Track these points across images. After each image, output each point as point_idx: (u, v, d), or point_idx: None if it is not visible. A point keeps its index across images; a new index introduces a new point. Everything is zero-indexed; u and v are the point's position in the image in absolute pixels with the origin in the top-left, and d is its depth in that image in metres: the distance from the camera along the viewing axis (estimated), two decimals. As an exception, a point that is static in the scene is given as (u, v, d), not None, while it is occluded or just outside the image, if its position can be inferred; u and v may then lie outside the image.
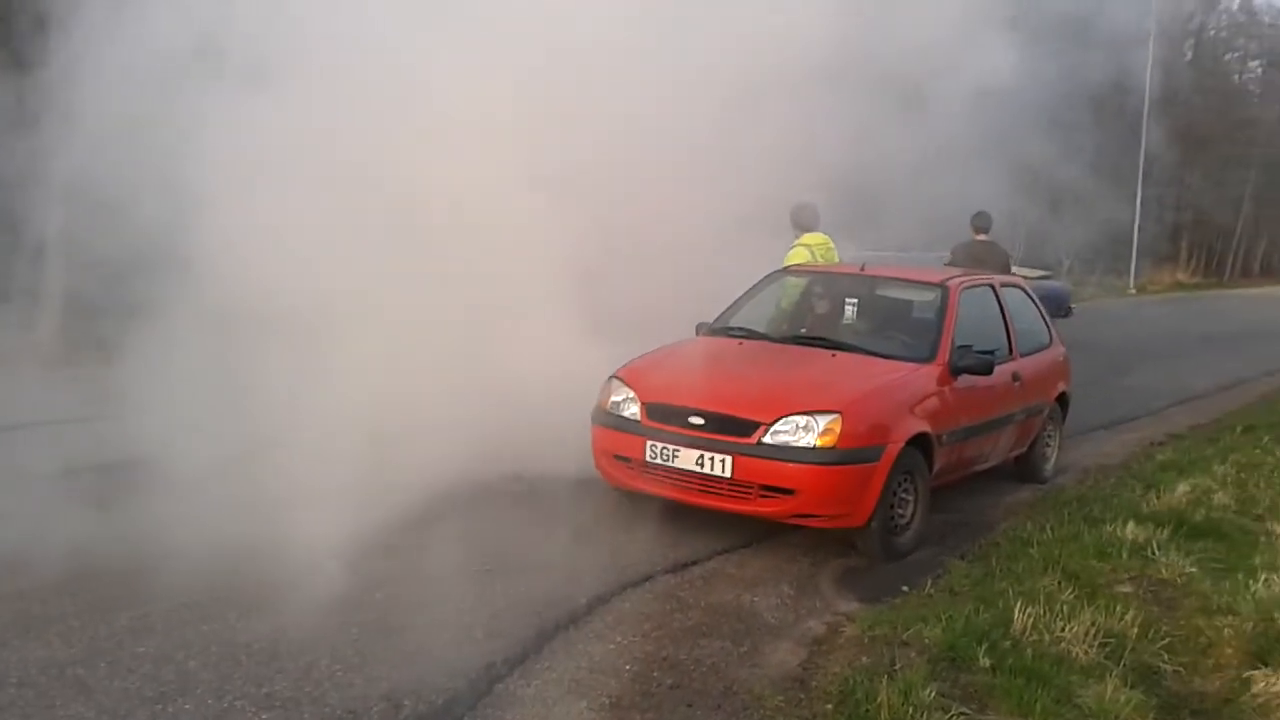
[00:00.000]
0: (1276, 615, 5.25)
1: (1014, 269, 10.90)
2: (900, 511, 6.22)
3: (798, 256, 8.68)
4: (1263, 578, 5.74)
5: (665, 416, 6.22)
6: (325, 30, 7.41)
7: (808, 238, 8.85)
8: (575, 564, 5.66)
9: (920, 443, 6.27)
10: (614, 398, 6.51)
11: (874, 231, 11.35)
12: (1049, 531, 6.46)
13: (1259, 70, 56.28)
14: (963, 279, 7.62)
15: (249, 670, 4.28)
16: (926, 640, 4.71)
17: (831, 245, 8.91)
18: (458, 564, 5.55)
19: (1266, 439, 9.73)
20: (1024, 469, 8.18)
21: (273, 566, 5.15)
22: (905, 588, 5.68)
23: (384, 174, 7.25)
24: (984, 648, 4.61)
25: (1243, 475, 8.27)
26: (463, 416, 6.67)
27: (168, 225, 6.89)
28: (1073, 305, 19.25)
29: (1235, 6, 51.14)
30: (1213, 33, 48.21)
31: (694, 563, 5.88)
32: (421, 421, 6.55)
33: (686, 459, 6.04)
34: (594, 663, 4.51)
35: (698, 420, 6.08)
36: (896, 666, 4.44)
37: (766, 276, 8.02)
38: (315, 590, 4.93)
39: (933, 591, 5.55)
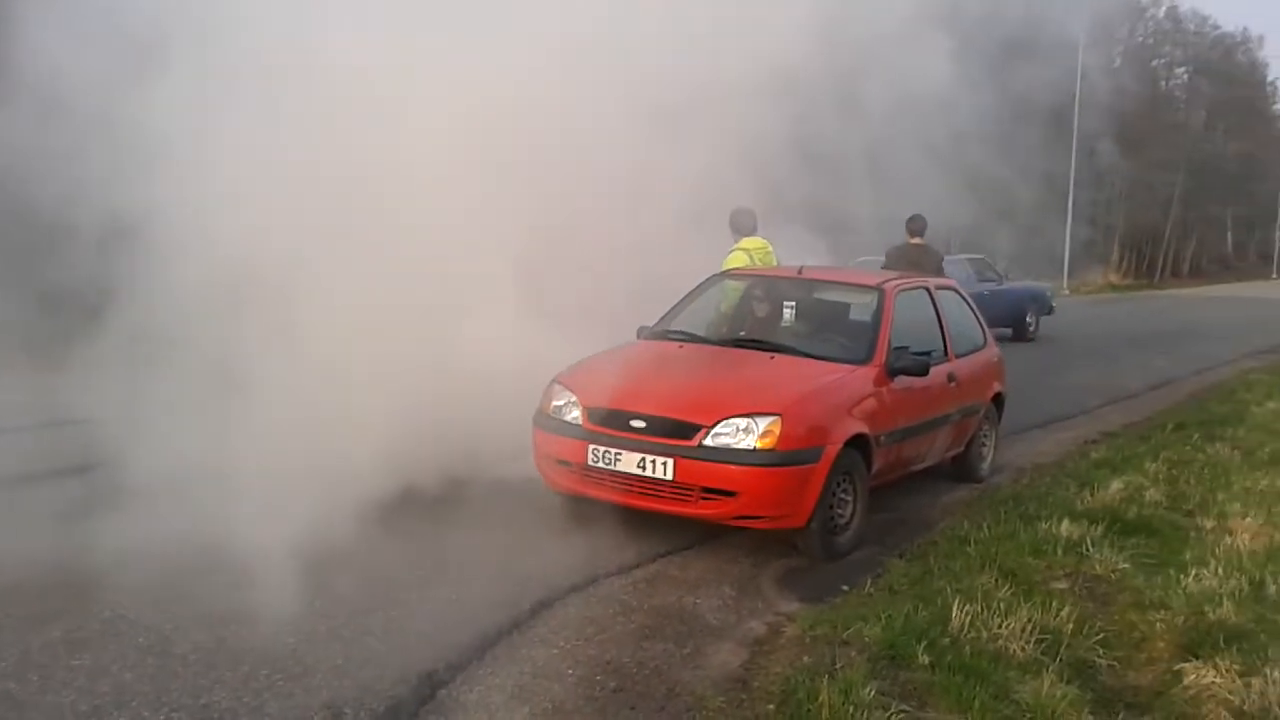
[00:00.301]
0: (1207, 609, 5.36)
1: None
2: (840, 512, 6.28)
3: (736, 260, 8.75)
4: (1193, 572, 5.86)
5: (607, 420, 6.23)
6: (273, 27, 7.31)
7: (746, 242, 8.93)
8: (518, 569, 5.65)
9: (859, 443, 6.34)
10: (555, 402, 6.51)
11: (821, 237, 11.46)
12: (986, 530, 6.55)
13: (1185, 76, 57.74)
14: (899, 282, 7.72)
15: (186, 682, 4.22)
16: (866, 639, 4.75)
17: (770, 249, 9.00)
18: (399, 570, 5.52)
19: (1196, 436, 9.97)
20: (961, 468, 8.31)
21: (211, 576, 5.09)
22: (845, 587, 5.73)
23: (331, 172, 7.17)
24: (923, 646, 4.66)
25: (1174, 472, 8.46)
26: (405, 418, 6.62)
27: (107, 227, 6.78)
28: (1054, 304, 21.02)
29: (1162, 14, 52.37)
30: (1140, 40, 49.28)
31: (637, 566, 5.89)
32: (363, 423, 6.50)
33: (628, 462, 6.05)
34: (537, 667, 4.50)
35: (639, 424, 6.10)
36: (837, 666, 4.47)
37: (706, 280, 8.06)
38: (254, 599, 4.87)
39: (872, 590, 5.61)
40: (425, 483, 6.73)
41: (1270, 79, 67.10)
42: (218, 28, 7.18)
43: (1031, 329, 20.01)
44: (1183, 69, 57.80)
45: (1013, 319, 19.21)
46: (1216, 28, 59.19)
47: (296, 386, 6.49)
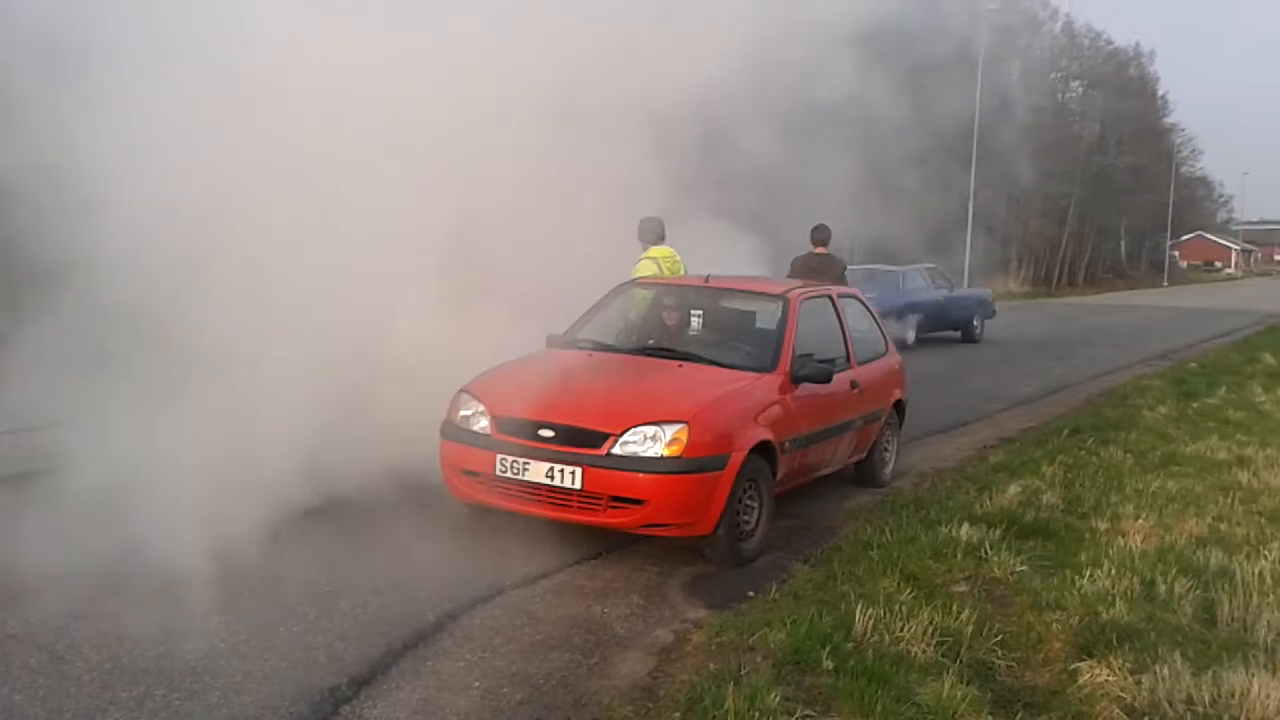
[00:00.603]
0: (1100, 609, 5.51)
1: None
2: (746, 518, 6.34)
3: (645, 269, 8.80)
4: (1088, 573, 6.02)
5: (515, 430, 6.20)
6: (199, 21, 7.17)
7: (654, 250, 8.98)
8: (424, 581, 5.60)
9: (764, 450, 6.41)
10: (463, 411, 6.47)
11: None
12: (888, 534, 6.66)
13: (1079, 90, 59.49)
14: (803, 290, 7.83)
15: (79, 702, 4.10)
16: (772, 645, 4.80)
17: (678, 258, 9.06)
18: (303, 584, 5.44)
19: (1091, 440, 10.26)
20: (864, 474, 8.44)
21: (111, 593, 4.96)
22: (751, 593, 5.77)
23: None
24: (827, 650, 4.73)
25: (1069, 475, 8.70)
26: (319, 423, 6.52)
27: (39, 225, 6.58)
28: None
29: (1058, 29, 53.89)
30: (1038, 53, 50.61)
31: (544, 575, 5.88)
32: (277, 429, 6.38)
33: (536, 472, 6.03)
34: (442, 681, 4.46)
35: (547, 433, 6.09)
36: (743, 672, 4.51)
37: (615, 289, 8.08)
38: (150, 616, 4.76)
39: (778, 596, 5.65)
40: (335, 491, 6.64)
41: (1161, 93, 69.54)
42: (142, 17, 7.01)
43: (978, 331, 22.02)
44: (1078, 82, 59.54)
45: (962, 322, 21.62)
46: (1110, 43, 61.14)
47: (210, 392, 6.35)
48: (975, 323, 21.95)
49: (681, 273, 8.95)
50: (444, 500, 6.64)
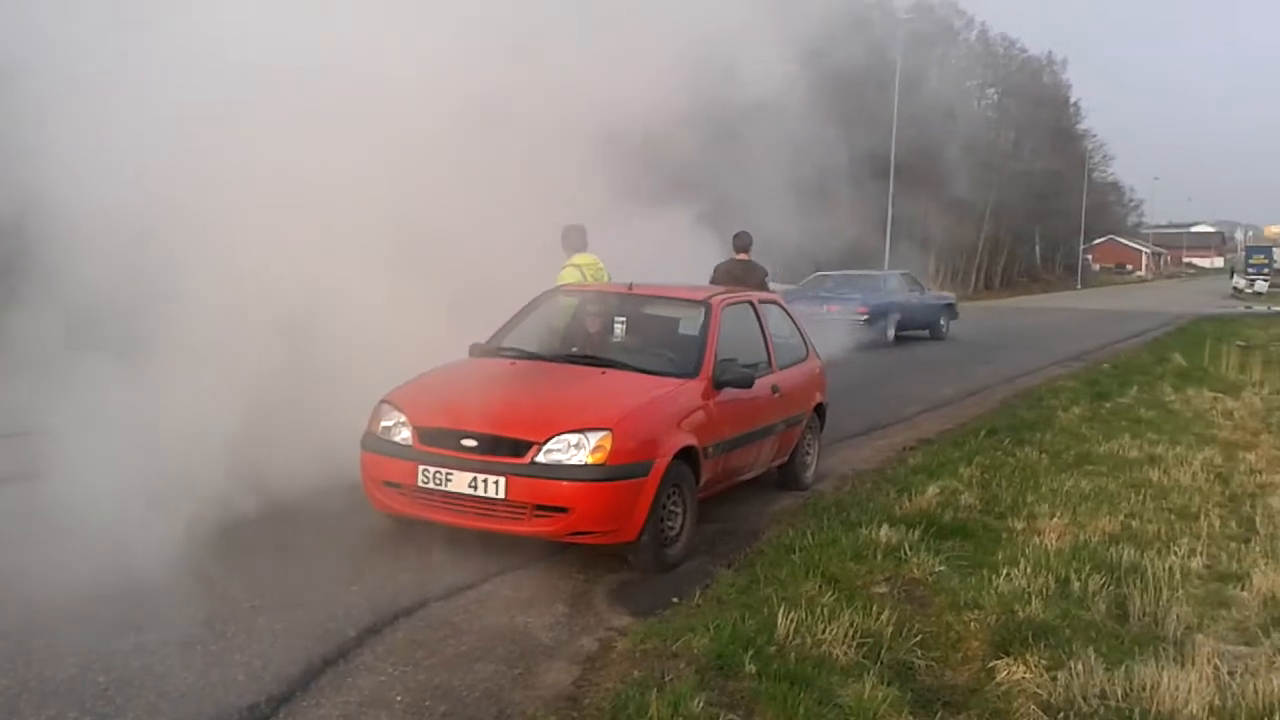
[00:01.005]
0: (1017, 607, 5.63)
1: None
2: (670, 524, 6.36)
3: (569, 276, 8.82)
4: (1004, 572, 6.15)
5: (437, 439, 6.16)
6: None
7: (578, 258, 9.01)
8: (346, 595, 5.53)
9: (687, 455, 6.44)
10: (384, 422, 6.40)
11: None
12: (810, 537, 6.72)
13: (994, 97, 60.70)
14: (724, 296, 7.89)
15: (-16, 728, 3.99)
16: (695, 650, 4.82)
17: (601, 265, 9.10)
18: (222, 600, 5.34)
19: (1007, 441, 10.48)
20: (786, 477, 8.52)
21: (13, 611, 4.81)
22: (676, 599, 5.79)
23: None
24: (750, 654, 4.76)
25: (986, 476, 8.87)
26: (245, 432, 6.43)
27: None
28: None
29: (973, 38, 54.94)
30: (954, 61, 51.51)
31: (468, 587, 5.83)
32: (204, 438, 6.26)
33: (460, 482, 6.00)
34: (364, 696, 4.41)
35: (470, 442, 6.05)
36: (667, 678, 4.53)
37: (538, 296, 8.07)
38: (60, 636, 4.64)
39: (701, 601, 5.68)
40: (257, 504, 6.53)
41: (1073, 100, 71.28)
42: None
43: (944, 330, 24.47)
44: (993, 89, 60.73)
45: (930, 322, 24.23)
46: (1024, 51, 62.56)
47: (137, 400, 6.22)
48: (942, 322, 24.40)
49: (605, 279, 8.98)
50: (367, 512, 6.57)
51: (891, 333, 22.02)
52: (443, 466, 6.04)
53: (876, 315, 21.51)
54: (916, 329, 23.52)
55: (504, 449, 5.99)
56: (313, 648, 4.82)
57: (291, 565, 5.95)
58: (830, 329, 16.84)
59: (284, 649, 4.80)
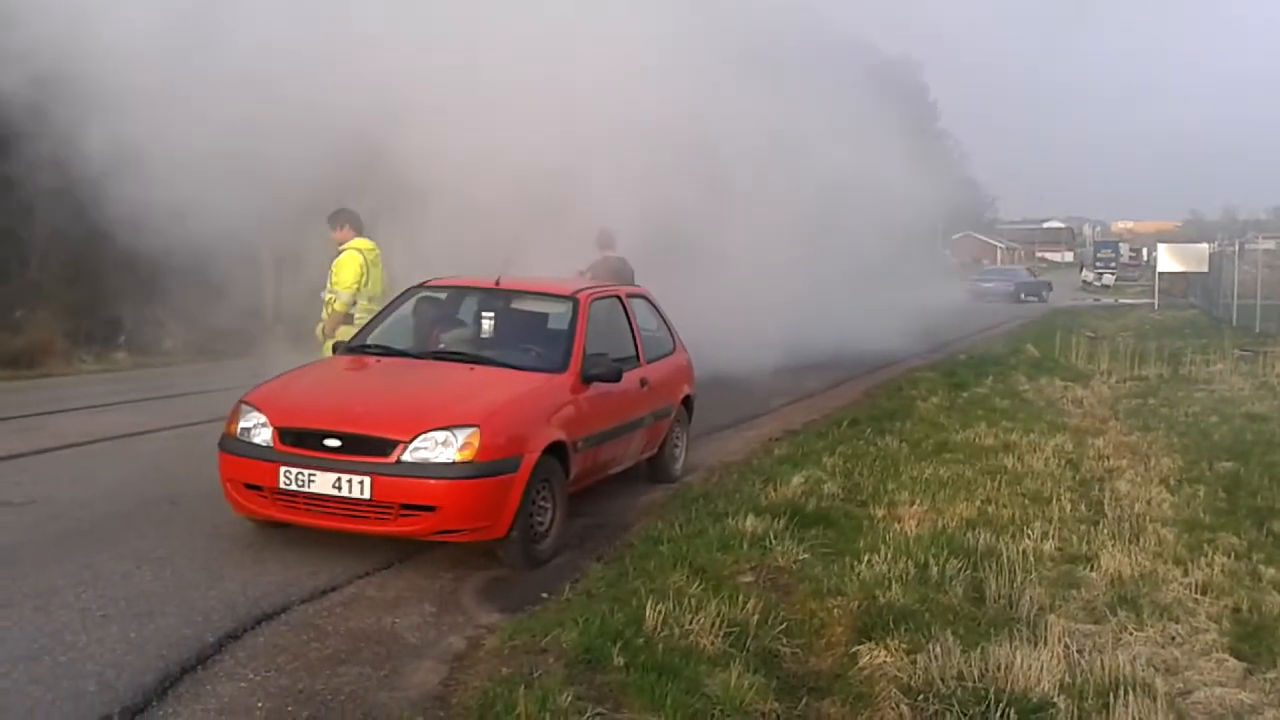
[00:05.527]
0: (878, 593, 5.79)
1: None
2: (539, 519, 6.34)
3: (351, 260, 8.89)
4: (866, 559, 6.30)
5: (299, 440, 6.01)
6: None
7: (357, 242, 9.11)
8: (205, 600, 5.37)
9: (556, 450, 6.43)
10: (243, 423, 6.21)
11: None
12: (678, 529, 6.79)
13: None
14: (592, 291, 7.90)
15: None
16: (564, 645, 4.81)
17: (378, 250, 9.16)
18: (72, 609, 5.13)
19: (869, 431, 10.75)
20: (656, 470, 8.59)
21: None
22: (545, 594, 5.79)
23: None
24: (618, 647, 4.78)
25: (849, 465, 9.09)
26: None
27: None
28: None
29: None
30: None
31: (333, 589, 5.71)
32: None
33: (323, 483, 5.86)
34: (223, 704, 4.28)
35: (334, 442, 5.92)
36: (535, 674, 4.51)
37: (404, 292, 7.96)
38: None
39: (571, 596, 5.68)
40: (108, 507, 6.29)
41: (932, 99, 73.25)
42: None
43: (1047, 297, 47.07)
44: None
45: (1038, 293, 48.10)
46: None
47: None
48: (1044, 294, 48.87)
49: (380, 264, 9.12)
50: (227, 515, 6.38)
51: (1022, 296, 46.93)
52: (305, 468, 5.89)
53: (1021, 290, 48.21)
54: (1031, 296, 47.65)
55: (368, 448, 5.88)
56: (169, 655, 4.67)
57: (146, 572, 5.74)
58: (991, 295, 44.73)
59: (138, 658, 4.64)
